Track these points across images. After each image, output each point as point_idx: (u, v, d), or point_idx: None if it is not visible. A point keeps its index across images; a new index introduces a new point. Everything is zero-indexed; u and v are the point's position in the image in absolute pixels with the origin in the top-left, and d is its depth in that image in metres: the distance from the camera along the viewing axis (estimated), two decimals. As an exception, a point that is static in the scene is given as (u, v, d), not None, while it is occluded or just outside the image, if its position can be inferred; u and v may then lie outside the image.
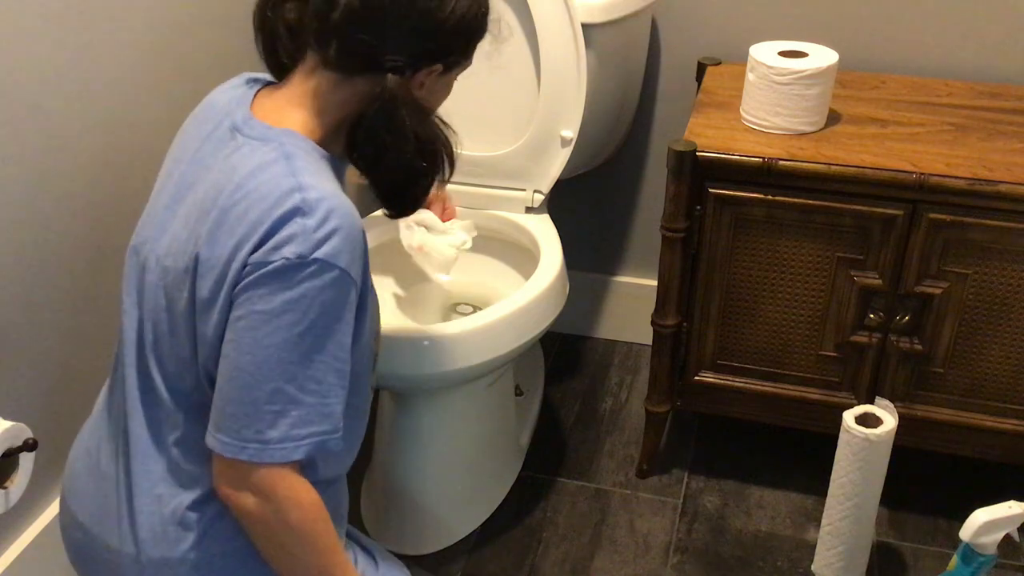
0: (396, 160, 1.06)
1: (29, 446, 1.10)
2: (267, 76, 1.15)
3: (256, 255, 0.98)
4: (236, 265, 0.99)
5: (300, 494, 1.02)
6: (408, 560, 1.67)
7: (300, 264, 0.97)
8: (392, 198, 1.13)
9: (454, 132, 1.12)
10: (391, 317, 1.72)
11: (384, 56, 1.03)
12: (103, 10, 1.41)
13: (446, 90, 1.14)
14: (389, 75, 1.03)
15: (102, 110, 1.45)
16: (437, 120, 1.10)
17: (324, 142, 1.08)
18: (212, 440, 1.01)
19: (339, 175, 1.11)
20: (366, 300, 1.07)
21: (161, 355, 1.08)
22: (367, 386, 1.17)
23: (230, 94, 1.12)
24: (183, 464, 1.08)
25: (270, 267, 0.97)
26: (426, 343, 1.46)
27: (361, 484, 1.80)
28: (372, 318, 1.12)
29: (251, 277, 0.98)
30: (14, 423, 1.09)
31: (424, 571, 1.65)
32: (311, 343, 0.98)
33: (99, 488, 1.14)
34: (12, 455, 1.10)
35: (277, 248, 0.97)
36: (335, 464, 1.15)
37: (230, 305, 1.00)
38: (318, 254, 0.97)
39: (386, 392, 1.67)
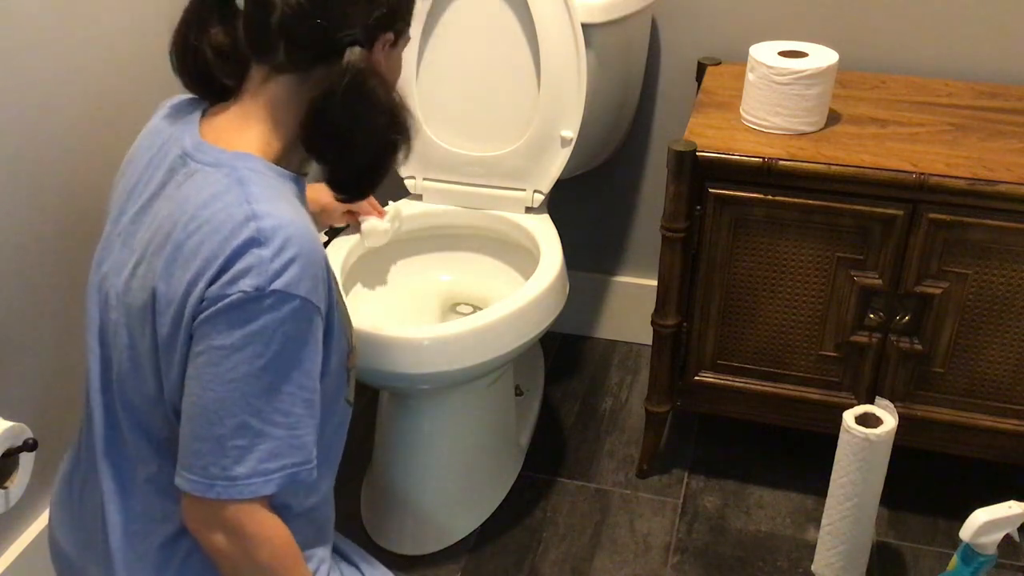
0: (370, 135, 1.01)
1: (29, 446, 1.10)
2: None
3: (212, 289, 0.95)
4: (193, 300, 0.96)
5: (269, 530, 0.99)
6: (407, 561, 1.67)
7: (258, 296, 0.94)
8: (359, 178, 1.06)
9: (411, 112, 1.07)
10: (391, 317, 1.72)
11: (340, 34, 0.99)
12: (102, 9, 1.41)
13: (398, 69, 1.11)
14: (349, 49, 0.99)
15: (102, 110, 1.45)
16: (398, 95, 1.06)
17: (284, 156, 1.04)
18: (180, 479, 0.98)
19: (300, 191, 1.07)
20: (332, 321, 1.04)
21: (126, 394, 1.06)
22: (343, 406, 1.15)
23: (172, 117, 1.09)
24: (155, 501, 1.07)
25: (227, 301, 0.94)
26: (426, 343, 1.46)
27: (361, 484, 1.80)
28: (341, 337, 1.08)
29: (209, 311, 0.95)
30: (14, 423, 1.09)
31: None
32: (275, 375, 0.96)
33: (78, 520, 1.13)
34: (12, 455, 1.10)
35: (233, 281, 0.94)
36: (313, 490, 1.13)
37: (190, 340, 0.97)
38: (276, 285, 0.94)
39: (386, 392, 1.67)
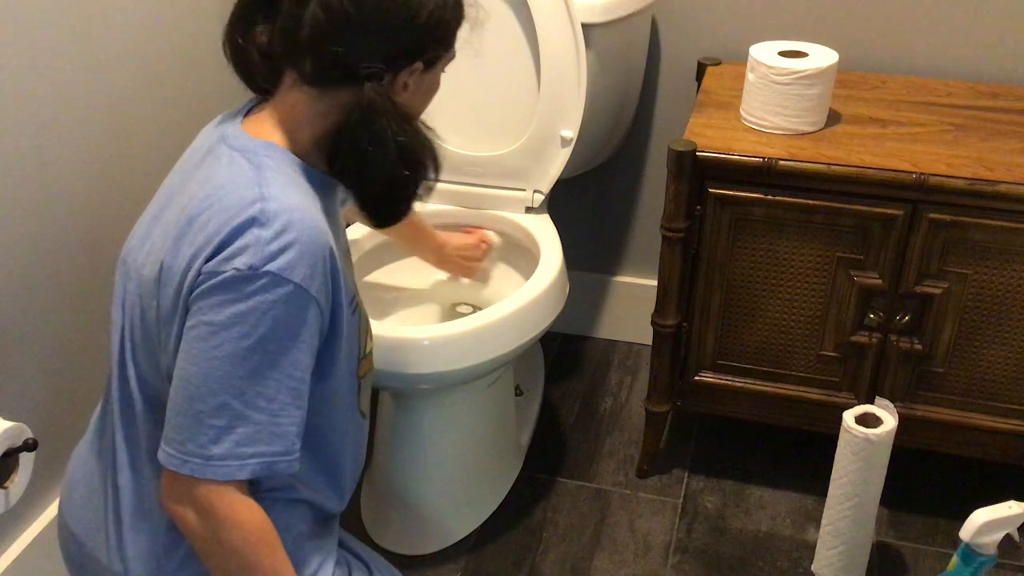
0: (379, 170, 1.03)
1: (29, 446, 1.10)
2: None
3: (209, 264, 0.96)
4: (191, 274, 0.97)
5: (241, 514, 0.98)
6: (407, 561, 1.67)
7: (250, 276, 0.94)
8: (376, 209, 1.09)
9: (436, 134, 1.08)
10: (391, 317, 1.72)
11: (359, 65, 1.00)
12: (104, 11, 1.41)
13: (433, 87, 1.11)
14: (367, 83, 1.00)
15: (102, 109, 1.45)
16: (419, 125, 1.07)
17: (308, 156, 1.06)
18: (160, 452, 0.99)
19: (329, 189, 1.08)
20: (339, 321, 1.04)
21: (139, 367, 1.07)
22: (357, 418, 1.15)
23: (227, 112, 1.12)
24: (159, 477, 1.06)
25: (220, 277, 0.95)
26: (426, 343, 1.46)
27: (361, 484, 1.80)
28: (352, 341, 1.08)
29: (203, 287, 0.96)
30: (14, 423, 1.09)
31: None
32: (261, 358, 0.96)
33: (91, 501, 1.13)
34: (12, 455, 1.10)
35: (229, 259, 0.95)
36: (326, 502, 1.13)
37: (187, 313, 0.98)
38: (270, 267, 0.94)
39: (386, 392, 1.67)
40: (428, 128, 1.08)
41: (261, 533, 1.00)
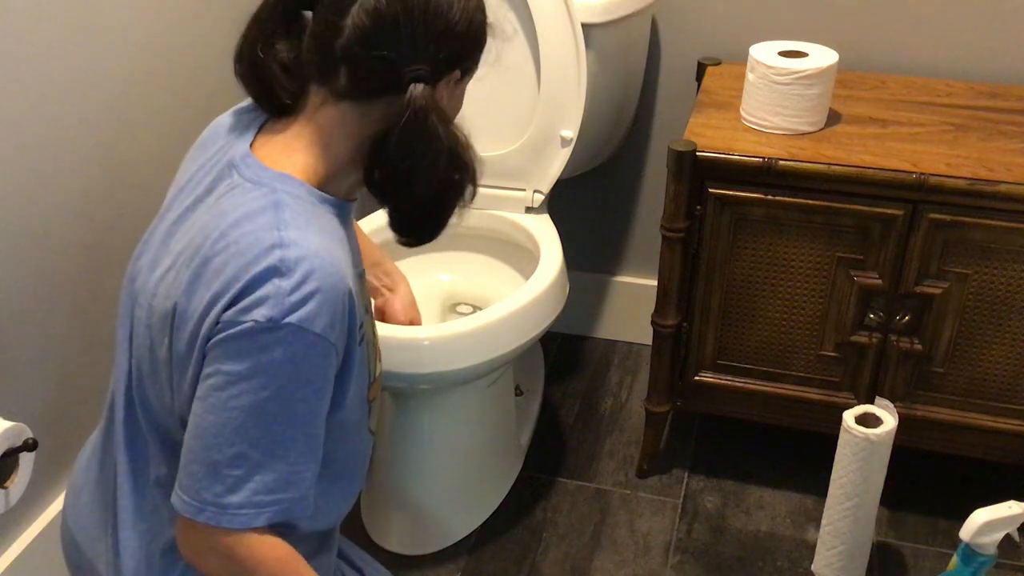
0: (430, 174, 0.98)
1: (29, 446, 1.10)
2: None
3: (228, 314, 0.93)
4: (209, 321, 0.94)
5: (263, 552, 0.97)
6: (407, 561, 1.67)
7: (270, 328, 0.91)
8: (419, 220, 1.03)
9: (476, 152, 1.04)
10: (391, 317, 1.72)
11: (406, 69, 0.95)
12: (107, 11, 1.41)
13: (460, 102, 1.08)
14: (413, 85, 0.95)
15: (105, 111, 1.45)
16: (461, 133, 1.01)
17: (330, 182, 1.02)
18: (174, 497, 0.97)
19: (344, 218, 1.04)
20: (352, 357, 1.01)
21: (145, 394, 1.05)
22: (365, 436, 1.14)
23: (237, 120, 1.07)
24: (163, 503, 1.05)
25: (240, 328, 0.92)
26: (426, 343, 1.46)
27: (361, 484, 1.80)
28: (362, 371, 1.06)
29: (221, 336, 0.93)
30: (14, 423, 1.09)
31: None
32: (279, 408, 0.93)
33: (92, 511, 1.13)
34: (12, 455, 1.10)
35: (248, 309, 0.92)
36: (328, 516, 1.12)
37: (203, 360, 0.96)
38: (291, 319, 0.91)
39: (386, 392, 1.67)
40: (468, 139, 1.03)
41: (285, 563, 0.99)
